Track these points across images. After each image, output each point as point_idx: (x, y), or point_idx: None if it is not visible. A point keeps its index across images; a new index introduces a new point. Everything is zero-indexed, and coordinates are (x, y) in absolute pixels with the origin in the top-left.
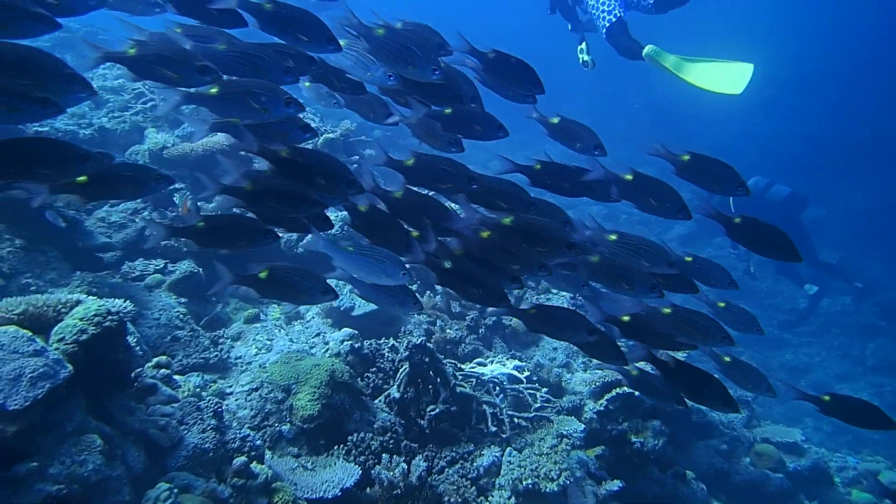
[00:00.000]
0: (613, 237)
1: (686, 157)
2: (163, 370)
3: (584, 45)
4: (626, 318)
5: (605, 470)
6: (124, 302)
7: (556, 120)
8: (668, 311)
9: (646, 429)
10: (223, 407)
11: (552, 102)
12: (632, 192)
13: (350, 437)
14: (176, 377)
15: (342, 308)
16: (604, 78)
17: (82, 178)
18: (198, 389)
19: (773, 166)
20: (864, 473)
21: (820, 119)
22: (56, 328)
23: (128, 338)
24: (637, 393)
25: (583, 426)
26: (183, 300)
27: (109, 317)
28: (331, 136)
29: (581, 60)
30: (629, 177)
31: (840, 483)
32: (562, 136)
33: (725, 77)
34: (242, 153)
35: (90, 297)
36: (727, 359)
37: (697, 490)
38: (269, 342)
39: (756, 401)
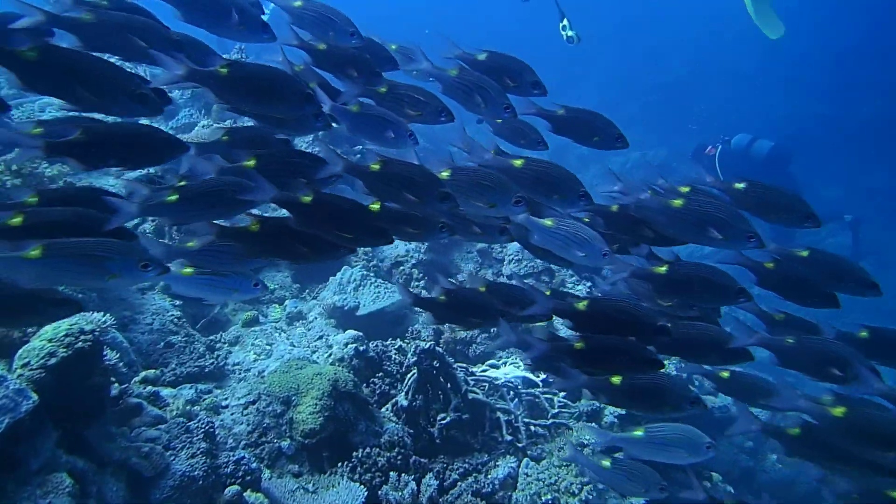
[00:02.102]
0: None
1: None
2: (149, 387)
3: (566, 22)
4: None
5: None
6: (103, 315)
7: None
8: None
9: None
10: (218, 423)
11: (561, 89)
12: None
13: (355, 454)
14: (165, 393)
15: (346, 307)
16: (612, 61)
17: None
18: (188, 407)
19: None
20: None
21: (837, 98)
22: (20, 351)
23: (109, 354)
24: None
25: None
26: (178, 302)
27: (82, 337)
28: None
29: (565, 37)
30: None
31: None
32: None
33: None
34: None
35: None
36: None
37: (724, 494)
38: (268, 347)
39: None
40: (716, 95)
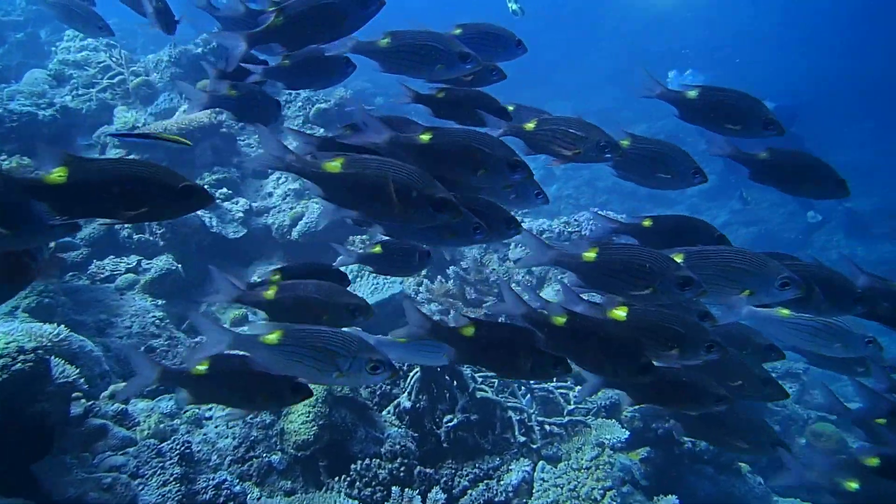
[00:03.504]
0: None
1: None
2: (118, 404)
3: None
4: None
5: (652, 475)
6: (56, 328)
7: None
8: None
9: None
10: (200, 437)
11: (566, 59)
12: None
13: (353, 466)
14: (140, 407)
15: None
16: (617, 28)
17: None
18: (162, 425)
19: (807, 109)
20: None
21: (863, 57)
22: None
23: (68, 370)
24: None
25: (627, 433)
26: (160, 302)
27: (21, 357)
28: (323, 105)
29: (511, 10)
30: None
31: None
32: None
33: None
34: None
35: (3, 328)
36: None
37: (755, 485)
38: None
39: (807, 372)
40: (730, 59)
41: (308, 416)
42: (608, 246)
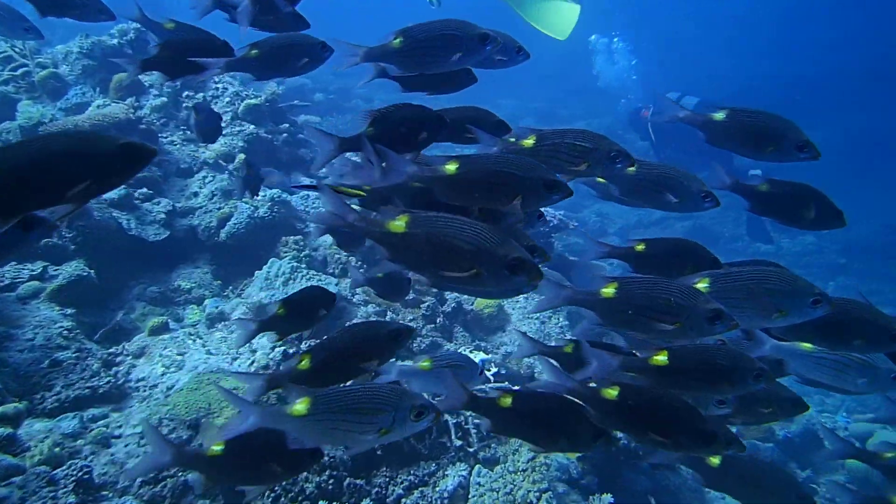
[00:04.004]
0: None
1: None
2: (4, 428)
3: None
4: None
5: (589, 473)
6: None
7: None
8: None
9: None
10: (107, 458)
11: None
12: None
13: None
14: (35, 428)
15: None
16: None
17: None
18: (58, 448)
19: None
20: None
21: (780, 56)
22: None
23: None
24: None
25: None
26: (69, 311)
27: None
28: (253, 101)
29: (428, 0)
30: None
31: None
32: None
33: (554, 19)
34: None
35: None
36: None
37: (689, 477)
38: (179, 357)
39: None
40: (664, 59)
41: None
42: (628, 280)
